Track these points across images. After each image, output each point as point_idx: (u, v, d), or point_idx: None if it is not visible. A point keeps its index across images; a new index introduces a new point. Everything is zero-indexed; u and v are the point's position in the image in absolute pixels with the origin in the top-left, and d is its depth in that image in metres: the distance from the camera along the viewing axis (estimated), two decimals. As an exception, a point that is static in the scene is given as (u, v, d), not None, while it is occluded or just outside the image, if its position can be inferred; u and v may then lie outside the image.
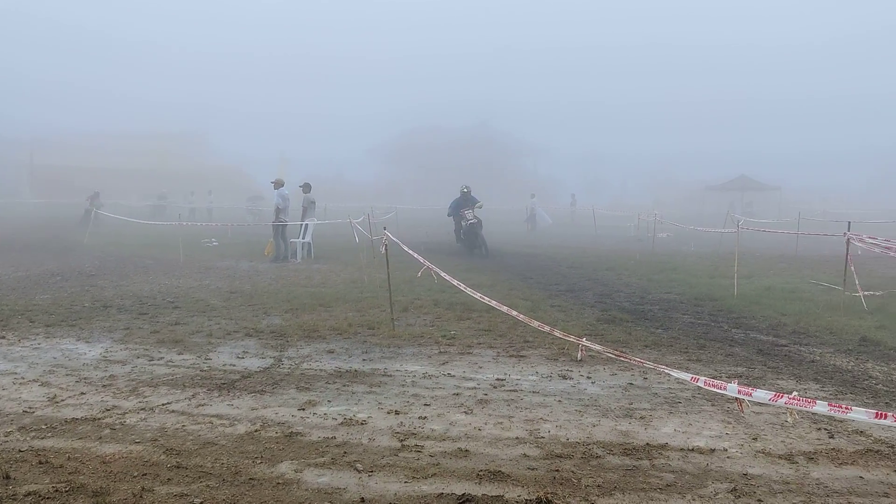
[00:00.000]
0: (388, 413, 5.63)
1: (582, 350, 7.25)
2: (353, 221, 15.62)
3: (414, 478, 4.34)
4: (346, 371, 7.00)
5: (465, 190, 20.51)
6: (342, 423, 5.38)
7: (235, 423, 5.41)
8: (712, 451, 4.85)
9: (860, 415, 3.59)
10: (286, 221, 18.82)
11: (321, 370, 7.04)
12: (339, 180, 72.75)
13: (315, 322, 9.47)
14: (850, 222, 11.78)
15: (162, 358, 7.53)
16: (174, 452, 4.77)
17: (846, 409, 3.66)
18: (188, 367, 7.14)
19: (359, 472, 4.44)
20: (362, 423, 5.38)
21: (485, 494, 4.09)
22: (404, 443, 4.96)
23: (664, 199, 60.51)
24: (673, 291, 13.06)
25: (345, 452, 4.78)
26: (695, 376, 4.66)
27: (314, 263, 17.86)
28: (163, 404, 5.86)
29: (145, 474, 4.39)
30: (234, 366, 7.21)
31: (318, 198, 21.40)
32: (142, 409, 5.72)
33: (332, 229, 23.61)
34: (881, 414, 3.52)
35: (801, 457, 4.76)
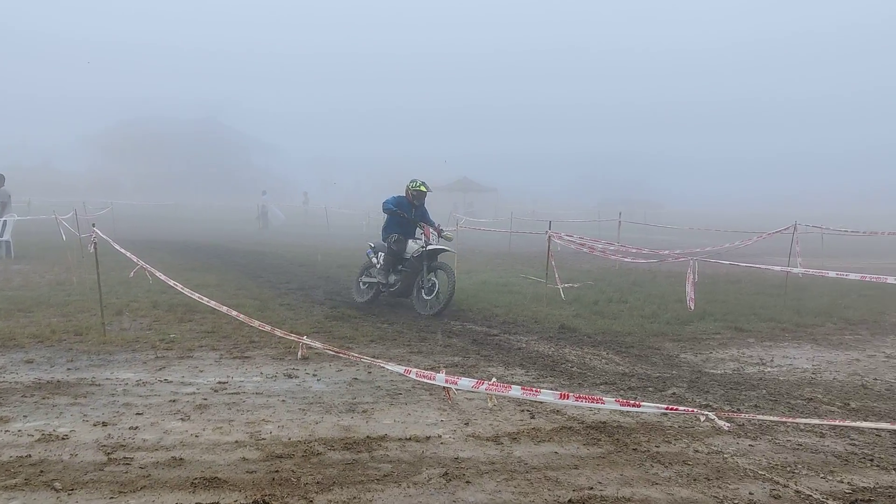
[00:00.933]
0: (95, 425, 5.20)
1: (303, 348, 7.25)
2: (59, 218, 14.21)
3: (121, 492, 4.05)
4: (47, 382, 6.34)
5: (423, 188, 11.23)
6: (39, 440, 4.87)
7: None
8: (428, 438, 5.10)
9: (548, 396, 4.00)
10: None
11: (17, 382, 6.31)
12: (45, 171, 65.62)
13: (12, 329, 8.46)
14: (550, 221, 13.08)
15: None
16: None
17: (536, 391, 4.05)
18: None
19: (57, 491, 4.04)
20: (63, 438, 4.91)
21: (199, 503, 3.94)
22: (111, 456, 4.61)
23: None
24: (400, 287, 13.52)
25: (41, 471, 4.33)
26: (408, 368, 4.88)
27: (13, 264, 15.94)
28: None
29: None
30: None
31: (20, 191, 19.17)
32: None
33: (37, 226, 21.25)
34: (564, 395, 3.96)
35: (506, 437, 5.17)
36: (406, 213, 11.14)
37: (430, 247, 10.81)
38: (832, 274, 10.44)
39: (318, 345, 6.59)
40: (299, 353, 7.36)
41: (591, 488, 4.28)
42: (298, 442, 4.97)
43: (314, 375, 6.82)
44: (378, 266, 11.33)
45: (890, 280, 9.48)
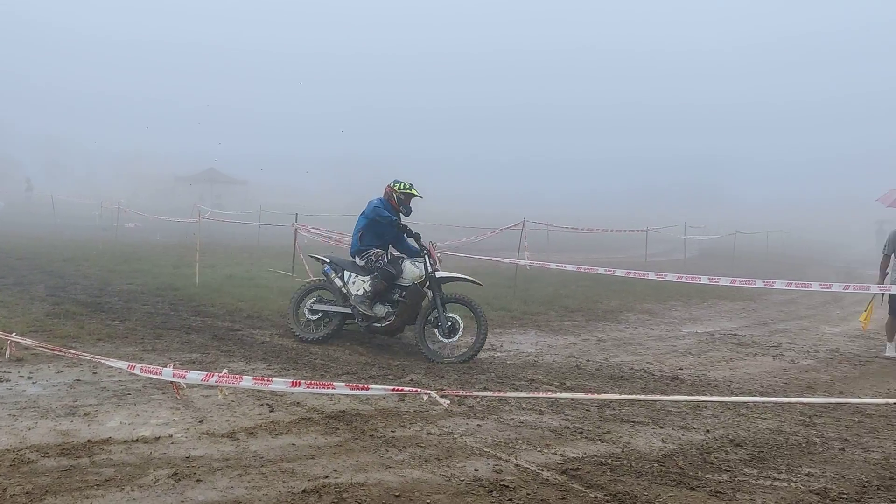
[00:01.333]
0: None
1: (11, 347, 6.56)
2: None
3: None
4: None
5: (414, 191, 8.80)
6: None
7: None
8: (157, 438, 4.85)
9: (280, 385, 4.00)
10: None
11: None
12: None
13: None
14: (297, 214, 13.03)
15: None
16: None
17: (268, 381, 4.04)
18: None
19: None
20: None
21: None
22: None
23: (139, 191, 58.54)
24: (135, 282, 12.71)
25: None
26: (132, 364, 4.63)
27: None
28: None
29: None
30: None
31: None
32: None
33: None
34: (296, 382, 3.98)
35: (243, 433, 5.07)
36: (393, 218, 8.56)
37: (439, 273, 8.46)
38: (553, 266, 11.52)
39: (29, 342, 5.98)
40: (7, 353, 6.62)
41: (327, 476, 4.34)
42: (6, 451, 4.49)
43: (29, 378, 6.19)
44: (361, 292, 8.49)
45: (600, 271, 10.65)
